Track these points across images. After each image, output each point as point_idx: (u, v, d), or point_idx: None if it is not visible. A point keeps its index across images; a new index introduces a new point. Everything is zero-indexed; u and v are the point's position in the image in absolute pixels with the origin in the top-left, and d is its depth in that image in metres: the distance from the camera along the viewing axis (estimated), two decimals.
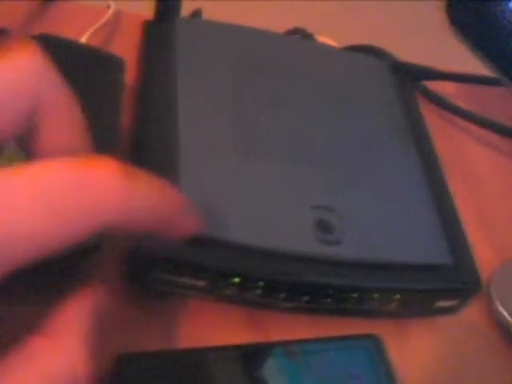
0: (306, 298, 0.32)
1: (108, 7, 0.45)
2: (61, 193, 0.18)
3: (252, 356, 0.30)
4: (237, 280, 0.30)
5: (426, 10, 0.56)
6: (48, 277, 0.20)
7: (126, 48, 0.40)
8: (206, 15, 0.46)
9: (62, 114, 0.22)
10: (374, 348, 0.32)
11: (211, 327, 0.32)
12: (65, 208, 0.18)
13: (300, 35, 0.49)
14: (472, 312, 0.37)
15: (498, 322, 0.38)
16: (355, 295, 0.32)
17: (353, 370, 0.31)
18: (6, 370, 0.19)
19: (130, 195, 0.19)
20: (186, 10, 0.43)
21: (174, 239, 0.23)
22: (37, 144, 0.22)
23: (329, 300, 0.32)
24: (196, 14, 0.45)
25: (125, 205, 0.19)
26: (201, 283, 0.30)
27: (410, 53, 0.50)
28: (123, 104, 0.34)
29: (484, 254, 0.40)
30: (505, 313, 0.37)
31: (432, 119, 0.47)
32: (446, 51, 0.52)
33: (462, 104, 0.51)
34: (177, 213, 0.22)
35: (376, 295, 0.32)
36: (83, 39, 0.41)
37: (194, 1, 0.45)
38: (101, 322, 0.22)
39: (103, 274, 0.31)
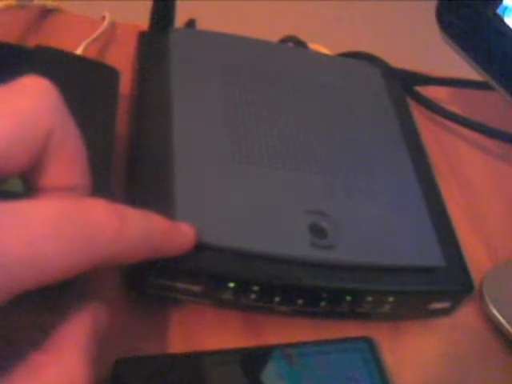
0: (300, 301, 0.32)
1: (103, 18, 0.46)
2: (68, 230, 0.20)
3: (249, 359, 0.30)
4: (232, 285, 0.31)
5: (418, 16, 0.56)
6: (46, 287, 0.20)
7: (122, 58, 0.40)
8: (199, 25, 0.46)
9: (69, 150, 0.23)
10: (368, 350, 0.32)
11: (208, 332, 0.32)
12: (75, 243, 0.20)
13: (293, 43, 0.50)
14: (465, 313, 0.38)
15: (491, 324, 0.38)
16: (349, 298, 0.33)
17: (348, 373, 0.31)
18: None
19: (122, 230, 0.21)
20: (180, 20, 0.44)
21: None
22: (41, 178, 0.23)
23: (323, 303, 0.32)
24: (190, 24, 0.46)
25: (119, 238, 0.21)
26: (197, 288, 0.30)
27: (401, 59, 0.51)
28: (119, 114, 0.35)
29: (476, 256, 0.41)
30: (497, 314, 0.38)
31: (424, 124, 0.48)
32: (438, 57, 0.52)
33: (454, 108, 0.51)
34: (167, 238, 0.25)
35: (370, 298, 0.33)
36: (79, 50, 0.42)
37: (187, 11, 0.45)
38: (100, 338, 0.23)
39: (101, 281, 0.31)
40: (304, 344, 0.32)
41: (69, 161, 0.23)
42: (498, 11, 0.40)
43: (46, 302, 0.26)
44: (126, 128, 0.36)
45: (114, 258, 0.22)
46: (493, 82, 0.39)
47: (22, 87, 0.22)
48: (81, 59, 0.37)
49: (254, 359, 0.30)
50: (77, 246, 0.20)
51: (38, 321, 0.23)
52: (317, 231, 0.33)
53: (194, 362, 0.29)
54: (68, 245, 0.20)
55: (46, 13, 0.46)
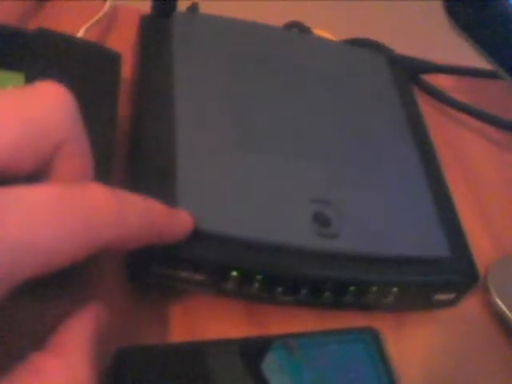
0: (304, 291, 0.32)
1: (105, 1, 0.45)
2: (68, 214, 0.20)
3: (251, 349, 0.30)
4: (235, 274, 0.30)
5: (423, 3, 0.56)
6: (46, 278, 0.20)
7: (123, 42, 0.40)
8: (202, 9, 0.46)
9: (78, 164, 0.23)
10: (372, 341, 0.32)
11: (211, 321, 0.32)
12: (75, 228, 0.20)
13: (297, 29, 0.49)
14: (470, 304, 0.37)
15: (496, 315, 0.38)
16: (353, 288, 0.32)
17: (351, 363, 0.31)
18: None
19: (121, 213, 0.21)
20: (182, 4, 0.43)
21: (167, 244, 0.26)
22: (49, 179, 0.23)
23: (327, 293, 0.32)
24: (192, 8, 0.45)
25: (118, 221, 0.21)
26: (200, 277, 0.30)
27: (407, 46, 0.50)
28: (120, 98, 0.34)
29: (481, 247, 0.40)
30: (502, 305, 0.37)
31: (429, 112, 0.47)
32: (444, 44, 0.52)
33: (459, 97, 0.51)
34: (165, 221, 0.25)
35: (374, 288, 0.32)
36: (80, 34, 0.41)
37: None
38: (102, 338, 0.23)
39: (102, 270, 0.31)
40: (306, 334, 0.32)
41: (76, 173, 0.23)
42: None
43: (48, 294, 0.25)
44: (127, 112, 0.36)
45: (113, 242, 0.21)
46: (501, 71, 0.38)
47: (40, 93, 0.22)
48: (82, 42, 0.36)
49: (255, 349, 0.30)
50: (77, 230, 0.20)
51: (40, 314, 0.23)
52: (321, 220, 0.32)
53: (195, 351, 0.29)
54: (68, 229, 0.19)
55: None
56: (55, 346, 0.21)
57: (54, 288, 0.23)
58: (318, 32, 0.50)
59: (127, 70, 0.38)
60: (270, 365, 0.30)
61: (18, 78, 0.32)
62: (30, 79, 0.32)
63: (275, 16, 0.48)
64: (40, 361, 0.20)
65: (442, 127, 0.49)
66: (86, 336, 0.22)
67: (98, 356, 0.22)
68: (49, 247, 0.19)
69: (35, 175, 0.22)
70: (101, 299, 0.23)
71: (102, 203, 0.21)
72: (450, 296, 0.35)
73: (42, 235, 0.19)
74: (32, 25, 0.41)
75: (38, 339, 0.21)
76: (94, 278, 0.30)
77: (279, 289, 0.31)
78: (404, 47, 0.50)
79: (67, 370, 0.20)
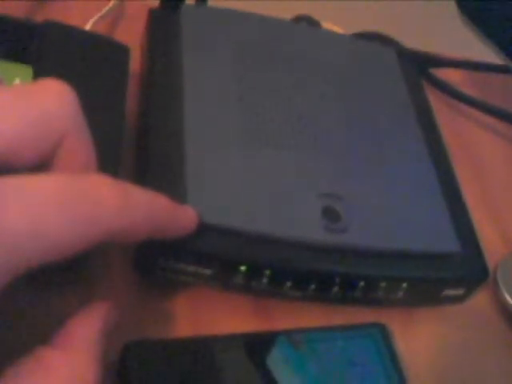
0: (312, 286, 0.31)
1: None
2: (70, 204, 0.19)
3: (257, 344, 0.30)
4: (243, 268, 0.30)
5: None
6: (49, 271, 0.20)
7: (131, 35, 0.40)
8: (210, 2, 0.45)
9: (80, 158, 0.23)
10: (380, 336, 0.32)
11: (218, 316, 0.32)
12: (78, 217, 0.20)
13: (306, 22, 0.49)
14: (479, 300, 0.37)
15: (505, 310, 0.38)
16: (362, 284, 0.32)
17: (358, 359, 0.31)
18: (21, 381, 0.19)
19: (124, 204, 0.21)
20: None
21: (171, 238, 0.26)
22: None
23: (335, 288, 0.32)
24: (201, 1, 0.45)
25: (121, 212, 0.21)
26: (207, 272, 0.30)
27: (416, 40, 0.50)
28: (128, 91, 0.34)
29: (491, 243, 0.40)
30: (511, 301, 0.37)
31: (439, 106, 0.47)
32: (454, 38, 0.51)
33: (469, 91, 0.50)
34: (169, 216, 0.25)
35: (383, 284, 0.32)
36: (88, 26, 0.41)
37: None
38: (108, 336, 0.23)
39: (109, 264, 0.31)
40: (311, 329, 0.32)
41: (77, 168, 0.23)
42: None
43: (51, 284, 0.25)
44: (135, 105, 0.36)
45: (116, 234, 0.21)
46: None
47: (43, 88, 0.22)
48: (90, 35, 0.36)
49: (261, 344, 0.30)
50: (79, 220, 0.20)
51: (43, 304, 0.23)
52: (330, 215, 0.32)
53: (201, 346, 0.29)
54: (71, 219, 0.19)
55: None
56: (62, 342, 0.21)
57: (58, 278, 0.23)
58: (327, 25, 0.50)
59: (135, 62, 0.37)
60: (276, 359, 0.30)
61: (26, 70, 0.32)
62: (37, 71, 0.31)
63: (284, 9, 0.47)
64: (46, 356, 0.20)
65: (451, 121, 0.48)
66: (94, 334, 0.22)
67: (103, 353, 0.22)
68: (51, 237, 0.19)
69: (37, 169, 0.22)
70: (109, 297, 0.23)
71: (105, 193, 0.21)
72: (460, 292, 0.35)
73: (43, 223, 0.19)
74: (40, 17, 0.41)
75: (40, 328, 0.21)
76: (99, 271, 0.30)
77: (288, 284, 0.31)
78: (413, 41, 0.49)
79: (72, 367, 0.20)
